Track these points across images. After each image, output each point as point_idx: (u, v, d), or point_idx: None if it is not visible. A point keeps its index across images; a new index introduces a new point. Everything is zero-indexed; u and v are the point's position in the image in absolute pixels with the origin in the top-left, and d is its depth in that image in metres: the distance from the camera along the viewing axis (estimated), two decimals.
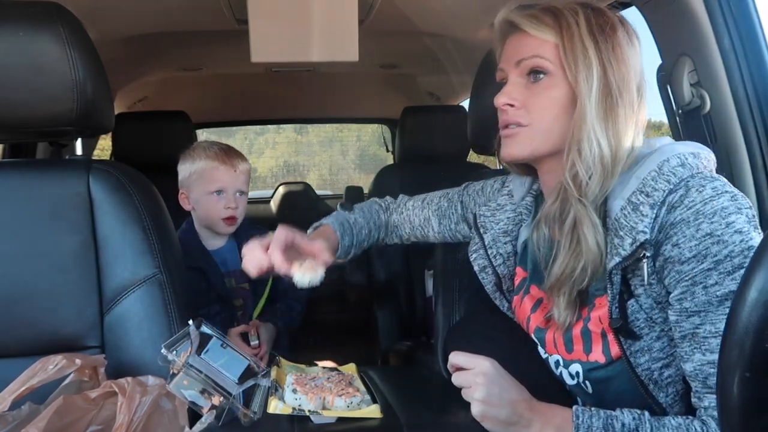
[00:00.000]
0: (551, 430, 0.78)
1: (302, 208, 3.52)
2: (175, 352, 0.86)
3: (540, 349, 0.93)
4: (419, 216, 1.14)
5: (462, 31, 1.91)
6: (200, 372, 0.85)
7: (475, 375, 0.81)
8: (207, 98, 2.89)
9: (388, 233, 1.17)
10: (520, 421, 0.78)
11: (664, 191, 0.74)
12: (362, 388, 0.95)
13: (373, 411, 0.87)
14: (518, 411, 0.79)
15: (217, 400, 0.85)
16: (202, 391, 0.85)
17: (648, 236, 0.73)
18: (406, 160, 2.32)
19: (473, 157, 2.47)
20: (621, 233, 0.76)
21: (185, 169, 1.48)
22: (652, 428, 0.74)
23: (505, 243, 0.98)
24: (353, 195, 2.47)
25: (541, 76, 0.83)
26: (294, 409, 0.85)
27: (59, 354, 0.88)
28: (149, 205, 1.04)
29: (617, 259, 0.75)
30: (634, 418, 0.75)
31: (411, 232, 1.15)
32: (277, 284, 1.56)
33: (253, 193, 4.09)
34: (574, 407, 0.78)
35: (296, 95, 2.93)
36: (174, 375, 0.85)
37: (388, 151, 3.28)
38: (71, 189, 1.02)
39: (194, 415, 0.85)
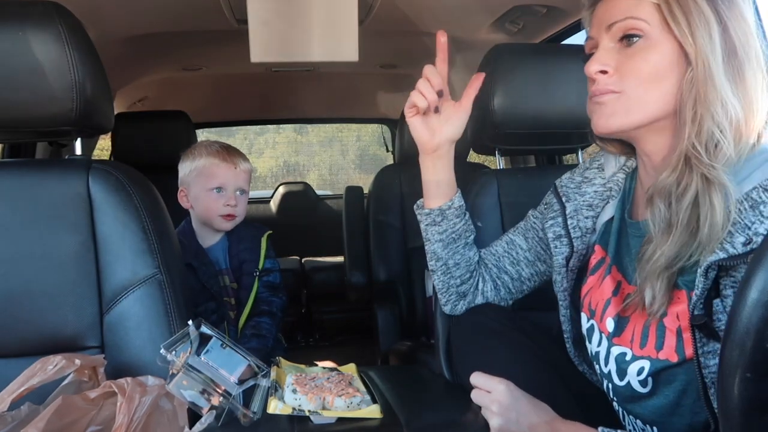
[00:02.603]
0: None
1: (302, 208, 3.52)
2: (174, 352, 0.86)
3: (595, 338, 0.87)
4: (501, 243, 1.08)
5: (462, 31, 1.90)
6: (200, 372, 0.85)
7: (491, 402, 0.82)
8: (207, 98, 2.89)
9: (482, 273, 1.09)
10: None
11: None
12: (362, 388, 0.95)
13: (373, 411, 0.87)
14: None
15: (216, 400, 0.85)
16: (202, 392, 0.85)
17: None
18: (406, 160, 2.32)
19: (473, 157, 2.47)
20: (731, 228, 0.68)
21: (186, 166, 1.48)
22: None
23: (587, 217, 0.92)
24: (353, 195, 2.46)
25: (636, 39, 0.75)
26: (294, 409, 0.85)
27: (59, 354, 0.87)
28: (149, 205, 1.04)
29: (722, 255, 0.67)
30: None
31: (497, 264, 1.08)
32: (258, 291, 1.53)
33: (252, 193, 4.06)
34: (600, 429, 0.75)
35: (296, 95, 2.93)
36: (174, 375, 0.85)
37: (388, 151, 3.28)
38: (71, 189, 1.02)
39: (194, 416, 0.85)
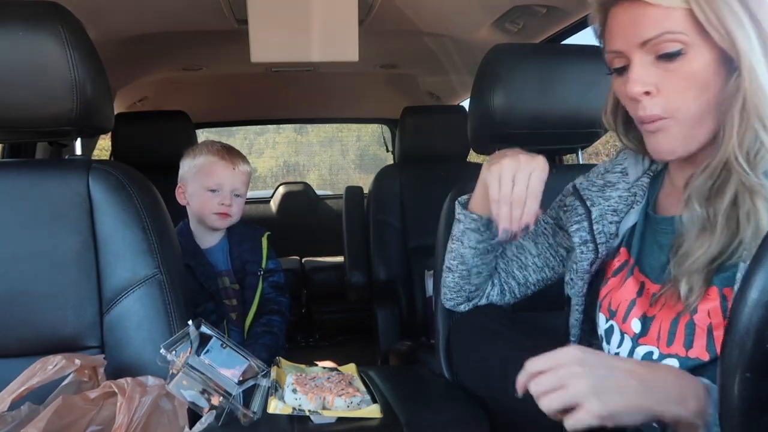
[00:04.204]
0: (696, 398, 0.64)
1: (302, 208, 3.52)
2: (174, 352, 0.86)
3: (615, 339, 0.83)
4: (511, 248, 1.05)
5: (462, 31, 1.91)
6: (200, 372, 0.85)
7: (569, 365, 0.64)
8: (207, 98, 2.89)
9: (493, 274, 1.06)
10: (659, 389, 0.63)
11: None
12: (362, 388, 0.95)
13: (373, 411, 0.87)
14: (644, 377, 0.64)
15: (216, 400, 0.85)
16: (202, 392, 0.85)
17: None
18: (406, 160, 2.32)
19: (473, 157, 2.47)
20: None
21: (186, 164, 1.48)
22: None
23: (611, 222, 0.88)
24: (353, 195, 2.47)
25: (677, 55, 0.71)
26: (294, 409, 0.85)
27: (59, 354, 0.87)
28: (149, 205, 1.04)
29: None
30: None
31: (506, 268, 1.05)
32: (265, 292, 1.53)
33: (253, 193, 4.09)
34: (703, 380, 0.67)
35: (296, 95, 2.93)
36: (173, 375, 0.85)
37: (388, 151, 3.28)
38: (71, 189, 1.02)
39: (194, 416, 0.85)
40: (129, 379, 0.84)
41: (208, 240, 1.51)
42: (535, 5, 1.61)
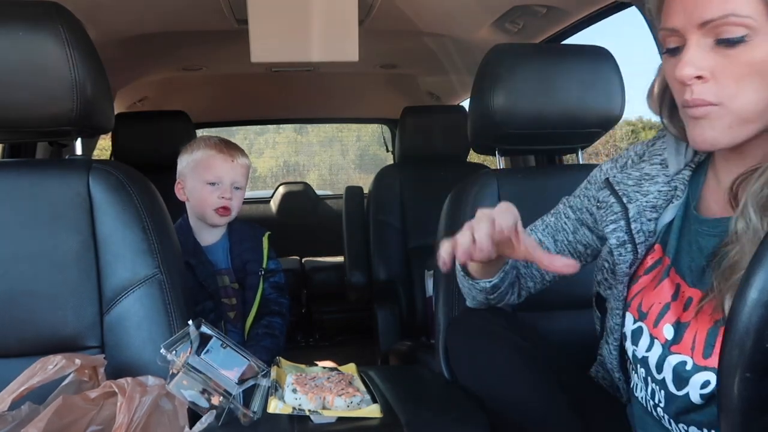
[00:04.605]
0: None
1: (302, 208, 3.52)
2: (174, 352, 0.86)
3: (643, 342, 0.78)
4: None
5: (462, 31, 1.91)
6: (200, 372, 0.85)
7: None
8: (207, 98, 2.89)
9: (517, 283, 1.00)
10: None
11: None
12: (362, 388, 0.95)
13: (373, 411, 0.87)
14: None
15: (216, 400, 0.85)
16: (202, 391, 0.85)
17: None
18: (406, 160, 2.32)
19: (473, 156, 2.47)
20: None
21: (184, 159, 1.48)
22: None
23: (650, 220, 0.81)
24: (353, 195, 2.47)
25: (739, 41, 0.64)
26: (294, 408, 0.85)
27: (59, 354, 0.87)
28: (149, 205, 1.04)
29: None
30: None
31: (527, 270, 0.99)
32: (266, 293, 1.53)
33: (253, 193, 4.10)
34: None
35: (296, 95, 2.93)
36: (174, 375, 0.85)
37: (388, 151, 3.28)
38: (71, 189, 1.02)
39: (194, 415, 0.85)
40: (129, 379, 0.84)
41: (208, 237, 1.50)
42: (535, 5, 1.61)
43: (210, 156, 1.43)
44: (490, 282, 0.92)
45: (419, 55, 2.26)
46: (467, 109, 1.69)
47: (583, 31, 1.74)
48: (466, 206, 1.22)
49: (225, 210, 1.44)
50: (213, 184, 1.43)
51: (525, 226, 1.21)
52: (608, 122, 1.27)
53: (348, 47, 1.48)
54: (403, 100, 2.59)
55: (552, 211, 1.00)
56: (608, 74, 1.24)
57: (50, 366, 0.84)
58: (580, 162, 1.39)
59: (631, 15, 1.40)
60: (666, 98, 0.79)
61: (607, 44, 1.28)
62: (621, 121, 1.39)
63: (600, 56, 1.26)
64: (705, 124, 0.68)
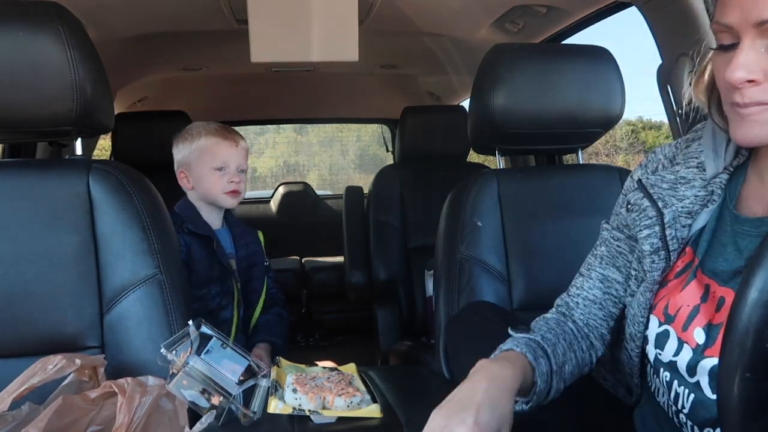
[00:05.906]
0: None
1: (302, 208, 3.52)
2: (174, 352, 0.86)
3: (670, 346, 0.75)
4: (593, 283, 0.90)
5: (462, 31, 1.91)
6: (200, 372, 0.85)
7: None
8: (207, 98, 2.89)
9: (587, 334, 0.90)
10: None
11: None
12: (362, 388, 0.95)
13: (373, 411, 0.87)
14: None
15: (217, 400, 0.85)
16: (202, 391, 0.85)
17: None
18: (406, 160, 2.32)
19: (473, 157, 2.47)
20: None
21: (184, 148, 1.49)
22: None
23: (684, 226, 0.77)
24: (353, 195, 2.47)
25: None
26: (294, 408, 0.85)
27: (59, 354, 0.87)
28: (149, 205, 1.05)
29: None
30: None
31: (600, 312, 0.90)
32: (269, 286, 1.57)
33: (253, 193, 4.10)
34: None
35: (296, 95, 2.93)
36: (174, 375, 0.85)
37: (388, 151, 3.28)
38: (71, 189, 1.02)
39: (194, 415, 0.85)
40: (129, 379, 0.84)
41: (213, 223, 1.52)
42: (535, 5, 1.61)
43: (215, 143, 1.46)
44: (526, 405, 0.80)
45: (419, 55, 2.26)
46: (467, 109, 1.69)
47: (583, 31, 1.74)
48: (466, 206, 1.22)
49: (235, 193, 1.47)
50: (220, 169, 1.45)
51: (524, 225, 1.21)
52: (608, 122, 1.27)
53: (348, 47, 1.48)
54: (403, 100, 2.59)
55: (597, 243, 0.93)
56: (608, 74, 1.24)
57: (50, 366, 0.84)
58: (580, 162, 1.39)
59: (631, 15, 1.40)
60: (715, 92, 0.75)
61: (607, 44, 1.28)
62: (621, 121, 1.39)
63: (600, 56, 1.26)
64: (755, 124, 0.66)
